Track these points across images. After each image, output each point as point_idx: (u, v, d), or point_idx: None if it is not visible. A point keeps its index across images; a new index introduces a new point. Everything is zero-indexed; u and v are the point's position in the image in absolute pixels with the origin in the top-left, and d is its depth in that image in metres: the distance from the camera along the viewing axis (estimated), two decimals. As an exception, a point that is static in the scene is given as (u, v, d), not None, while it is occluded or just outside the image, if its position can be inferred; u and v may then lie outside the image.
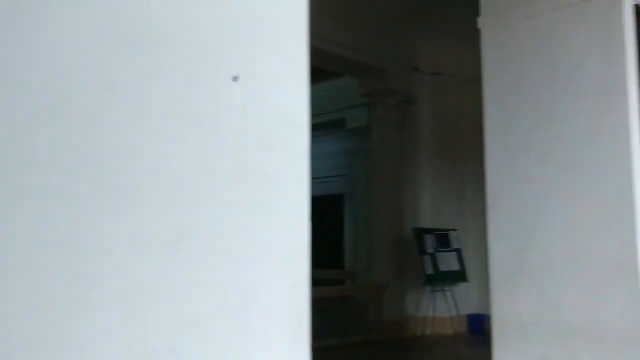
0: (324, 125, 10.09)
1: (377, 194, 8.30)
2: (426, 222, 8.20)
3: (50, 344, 0.71)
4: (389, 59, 8.07)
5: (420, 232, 7.88)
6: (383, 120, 8.34)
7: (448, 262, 7.93)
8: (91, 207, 0.74)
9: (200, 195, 0.87)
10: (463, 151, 8.39)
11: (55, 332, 0.71)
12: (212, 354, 0.86)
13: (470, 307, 8.18)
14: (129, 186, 0.78)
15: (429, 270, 7.76)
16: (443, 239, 8.03)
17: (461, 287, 8.08)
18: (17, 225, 0.68)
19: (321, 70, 8.52)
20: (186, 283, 0.84)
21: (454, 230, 8.15)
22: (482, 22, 3.52)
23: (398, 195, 8.18)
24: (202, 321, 0.86)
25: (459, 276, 8.01)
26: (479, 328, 7.90)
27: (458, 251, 8.07)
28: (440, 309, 7.96)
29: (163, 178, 0.82)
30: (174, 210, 0.83)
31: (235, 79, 0.93)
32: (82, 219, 0.74)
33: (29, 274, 0.69)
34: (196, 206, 0.86)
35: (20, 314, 0.69)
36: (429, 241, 7.90)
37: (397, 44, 8.17)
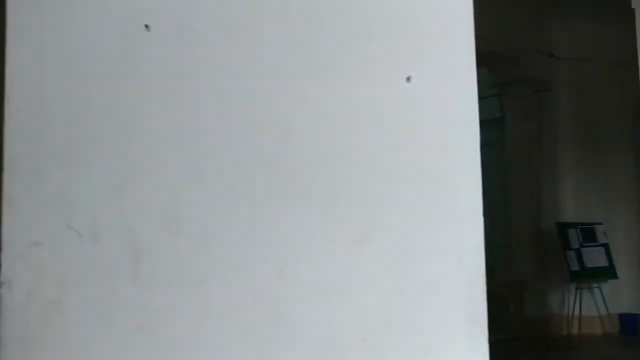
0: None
1: (513, 187, 8.00)
2: (568, 215, 7.77)
3: (261, 334, 0.78)
4: (521, 46, 7.74)
5: (563, 227, 7.49)
6: (517, 109, 8.02)
7: (594, 257, 7.46)
8: (292, 209, 0.81)
9: (381, 196, 0.91)
10: (608, 139, 7.85)
11: (266, 323, 0.78)
12: (397, 342, 0.90)
13: (621, 305, 7.64)
14: (323, 190, 0.84)
15: (574, 266, 7.34)
16: (588, 233, 7.56)
17: (610, 284, 7.56)
18: (234, 226, 0.76)
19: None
20: (372, 278, 0.88)
21: (600, 224, 7.65)
22: (637, 0, 3.28)
23: (537, 187, 7.82)
24: (387, 313, 0.90)
25: (608, 272, 7.50)
26: (633, 328, 7.36)
27: (605, 246, 7.56)
28: (588, 307, 7.50)
29: (349, 180, 0.87)
30: (359, 211, 0.88)
31: (408, 79, 0.96)
32: (284, 220, 0.80)
33: (244, 270, 0.77)
34: (378, 206, 0.90)
35: (234, 306, 0.77)
36: (573, 236, 7.48)
37: (530, 30, 7.82)
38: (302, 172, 0.83)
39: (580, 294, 7.52)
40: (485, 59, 7.89)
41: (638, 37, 3.34)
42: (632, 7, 3.35)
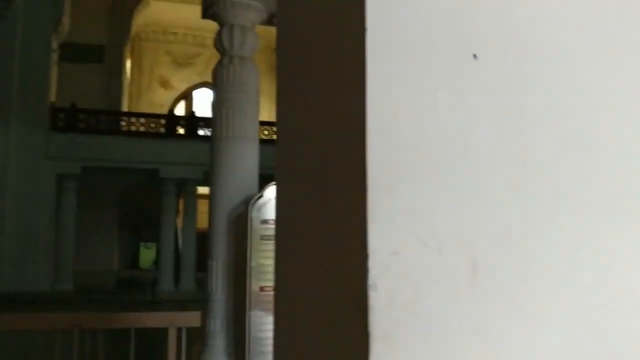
0: None
1: None
2: None
3: (581, 342, 0.80)
4: None
5: None
6: None
7: None
8: (609, 217, 0.82)
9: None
10: None
11: (585, 333, 0.80)
12: None
13: None
14: (627, 192, 0.84)
15: None
16: None
17: None
18: (555, 241, 0.79)
19: None
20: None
21: None
22: None
23: None
24: None
25: None
26: None
27: None
28: None
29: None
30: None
31: None
32: (601, 229, 0.82)
33: (565, 281, 0.80)
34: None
35: (556, 316, 0.80)
36: None
37: None
38: (614, 180, 0.83)
39: None
40: None
41: None
42: None
